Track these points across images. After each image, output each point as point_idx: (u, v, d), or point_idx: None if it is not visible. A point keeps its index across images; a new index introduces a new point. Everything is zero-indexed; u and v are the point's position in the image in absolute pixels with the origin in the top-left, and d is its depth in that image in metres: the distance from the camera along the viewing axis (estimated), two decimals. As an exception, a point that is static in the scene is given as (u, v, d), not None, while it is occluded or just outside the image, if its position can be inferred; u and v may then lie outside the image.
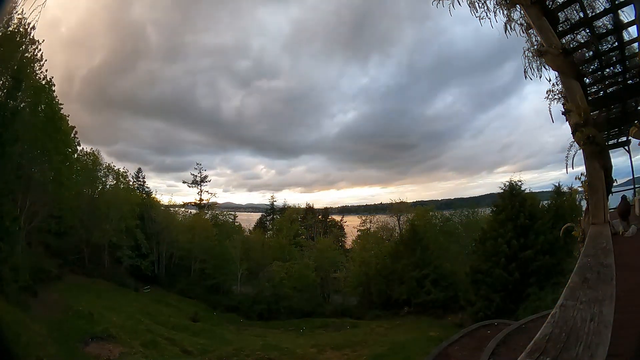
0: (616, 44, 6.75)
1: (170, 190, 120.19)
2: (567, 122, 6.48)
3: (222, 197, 63.38)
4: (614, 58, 7.29)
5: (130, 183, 37.97)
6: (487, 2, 6.37)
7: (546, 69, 6.76)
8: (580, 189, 7.93)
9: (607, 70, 7.76)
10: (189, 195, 51.51)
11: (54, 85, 25.03)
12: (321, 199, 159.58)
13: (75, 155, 29.78)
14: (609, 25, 6.46)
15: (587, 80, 7.64)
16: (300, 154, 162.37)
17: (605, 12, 6.13)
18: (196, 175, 49.72)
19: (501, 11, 6.44)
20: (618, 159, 12.69)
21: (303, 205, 57.08)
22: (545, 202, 28.98)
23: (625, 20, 6.20)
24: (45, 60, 23.53)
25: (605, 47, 7.01)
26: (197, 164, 51.05)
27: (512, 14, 6.47)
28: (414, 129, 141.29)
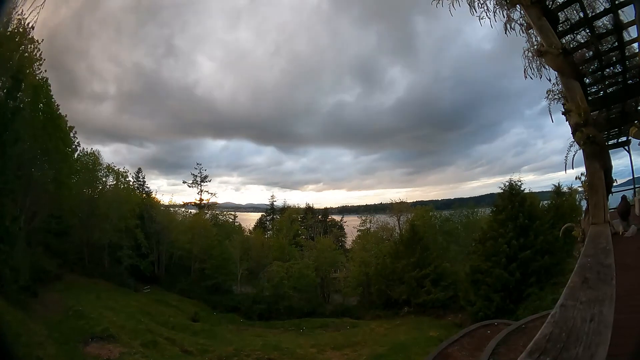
0: (616, 44, 6.75)
1: (174, 190, 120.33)
2: (567, 122, 6.48)
3: (222, 197, 63.38)
4: (614, 58, 7.28)
5: (130, 183, 37.92)
6: (487, 2, 6.38)
7: (546, 69, 6.75)
8: (580, 189, 7.92)
9: (607, 70, 7.76)
10: (190, 195, 51.52)
11: (50, 85, 25.04)
12: (343, 197, 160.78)
13: (75, 155, 29.75)
14: (609, 25, 6.45)
15: (587, 80, 7.64)
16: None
17: (605, 12, 6.13)
18: (196, 175, 49.77)
19: (501, 11, 6.43)
20: (618, 160, 12.72)
21: (314, 206, 57.61)
22: (546, 202, 29.03)
23: (625, 20, 6.20)
24: (44, 60, 23.54)
25: (605, 47, 7.00)
26: (197, 163, 51.12)
27: (512, 14, 6.47)
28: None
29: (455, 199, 64.26)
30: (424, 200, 76.56)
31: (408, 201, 49.00)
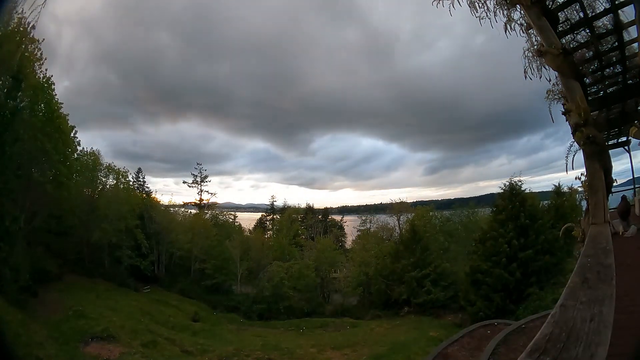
0: (616, 44, 6.75)
1: (179, 189, 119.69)
2: (567, 122, 6.48)
3: (222, 196, 63.52)
4: (614, 58, 7.28)
5: (130, 183, 37.91)
6: (487, 2, 6.36)
7: (546, 69, 6.74)
8: (580, 189, 7.92)
9: (607, 70, 7.75)
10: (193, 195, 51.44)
11: (54, 83, 24.99)
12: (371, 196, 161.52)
13: (75, 155, 29.72)
14: (609, 25, 6.45)
15: (587, 80, 7.63)
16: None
17: (605, 12, 6.12)
18: (196, 175, 49.79)
19: (501, 11, 6.43)
20: (618, 160, 12.74)
21: (314, 206, 57.80)
22: (546, 202, 29.08)
23: (625, 20, 6.19)
24: (46, 59, 23.51)
25: (605, 47, 7.00)
26: (198, 163, 51.16)
27: (512, 14, 6.46)
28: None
29: (455, 199, 64.33)
30: (424, 200, 76.67)
31: (408, 201, 49.16)
